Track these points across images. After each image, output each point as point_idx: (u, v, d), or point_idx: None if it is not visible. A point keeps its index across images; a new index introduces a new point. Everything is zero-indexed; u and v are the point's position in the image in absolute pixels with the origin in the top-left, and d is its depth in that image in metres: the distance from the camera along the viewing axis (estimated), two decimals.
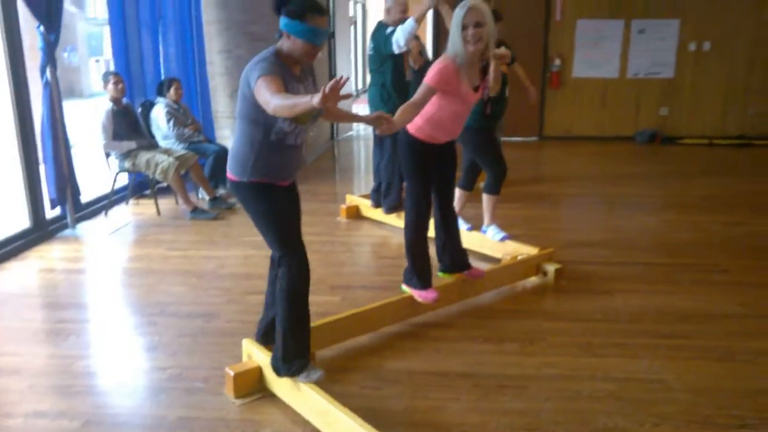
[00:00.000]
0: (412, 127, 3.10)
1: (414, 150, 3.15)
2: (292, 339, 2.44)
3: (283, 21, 2.26)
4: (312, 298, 3.45)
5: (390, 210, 4.79)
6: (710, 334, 3.11)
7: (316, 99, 1.92)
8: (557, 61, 8.64)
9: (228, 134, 7.31)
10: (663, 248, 4.38)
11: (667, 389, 2.63)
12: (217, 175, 5.73)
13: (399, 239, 4.58)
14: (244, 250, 4.37)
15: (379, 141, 4.81)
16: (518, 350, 2.97)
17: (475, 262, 3.81)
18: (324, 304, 3.44)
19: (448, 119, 3.08)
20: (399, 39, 4.22)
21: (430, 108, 3.03)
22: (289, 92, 2.22)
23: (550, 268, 3.73)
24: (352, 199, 5.25)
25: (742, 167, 7.26)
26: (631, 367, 2.81)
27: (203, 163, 5.62)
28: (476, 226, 4.30)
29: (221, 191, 5.70)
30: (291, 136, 2.38)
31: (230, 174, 2.46)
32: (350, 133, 9.52)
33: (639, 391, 2.61)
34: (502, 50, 3.13)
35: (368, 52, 4.75)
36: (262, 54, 2.30)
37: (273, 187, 2.44)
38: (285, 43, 2.29)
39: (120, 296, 3.69)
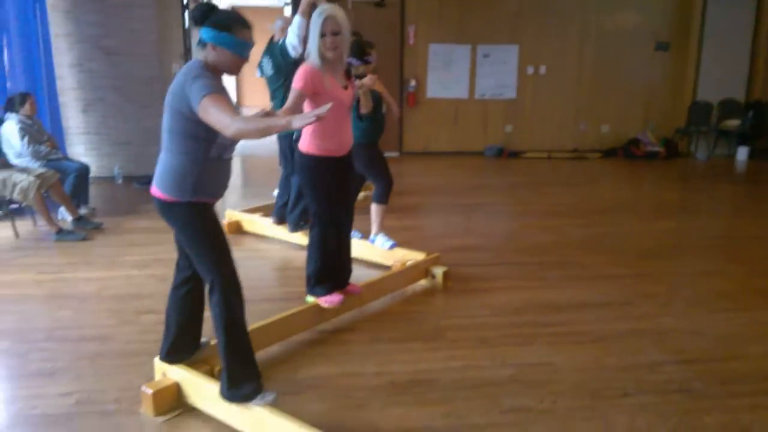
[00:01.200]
0: (304, 147, 3.12)
1: (311, 168, 3.14)
2: (239, 365, 2.38)
3: (208, 32, 2.24)
4: (208, 313, 3.44)
5: (295, 228, 4.65)
6: (583, 320, 3.53)
7: (297, 122, 1.91)
8: (413, 82, 9.14)
9: (81, 150, 6.89)
10: (529, 249, 4.84)
11: (557, 370, 2.95)
12: (78, 194, 5.39)
13: (286, 252, 4.64)
14: (124, 270, 4.17)
15: (290, 153, 4.69)
16: (423, 347, 3.16)
17: (366, 270, 3.99)
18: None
19: (331, 125, 3.05)
20: (291, 39, 4.20)
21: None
22: None
23: (438, 271, 3.98)
24: (232, 215, 5.19)
25: (578, 176, 8.15)
26: (524, 353, 3.11)
27: (63, 182, 5.26)
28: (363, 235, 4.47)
29: (83, 210, 5.36)
30: (229, 149, 2.35)
31: (162, 194, 2.33)
32: None
33: (534, 373, 2.91)
34: (366, 80, 3.34)
35: (266, 74, 4.65)
36: (192, 68, 2.24)
37: (208, 207, 2.38)
38: (210, 55, 2.26)
39: None
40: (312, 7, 3.66)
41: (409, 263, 4.00)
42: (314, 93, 2.98)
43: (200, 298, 2.64)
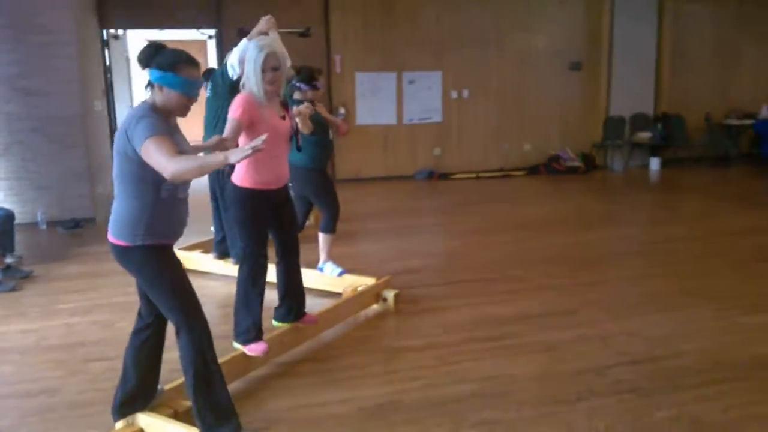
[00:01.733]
0: (238, 179, 3.05)
1: (245, 202, 3.06)
2: (211, 408, 2.35)
3: (154, 73, 2.23)
4: (166, 355, 3.35)
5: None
6: (530, 331, 3.66)
7: (234, 157, 1.91)
8: (342, 110, 9.24)
9: (2, 197, 6.56)
10: (471, 267, 4.97)
11: (515, 381, 3.06)
12: (3, 242, 5.11)
13: (230, 287, 4.54)
14: (63, 319, 3.99)
15: (218, 187, 4.62)
16: (383, 371, 3.19)
17: (317, 299, 4.00)
18: (173, 360, 3.24)
19: (267, 156, 2.94)
20: (233, 60, 4.12)
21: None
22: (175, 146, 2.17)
23: (389, 294, 4.04)
24: None
25: (506, 194, 8.42)
26: (481, 368, 3.20)
27: None
28: (311, 265, 4.47)
29: (9, 259, 5.10)
30: (181, 188, 2.33)
31: (115, 239, 2.30)
32: None
33: (494, 386, 3.01)
34: (302, 107, 3.36)
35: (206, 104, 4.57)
36: (138, 110, 2.23)
37: (167, 249, 2.34)
38: (158, 96, 2.25)
39: None
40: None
41: (360, 289, 4.03)
42: (251, 122, 2.95)
43: (159, 346, 2.59)
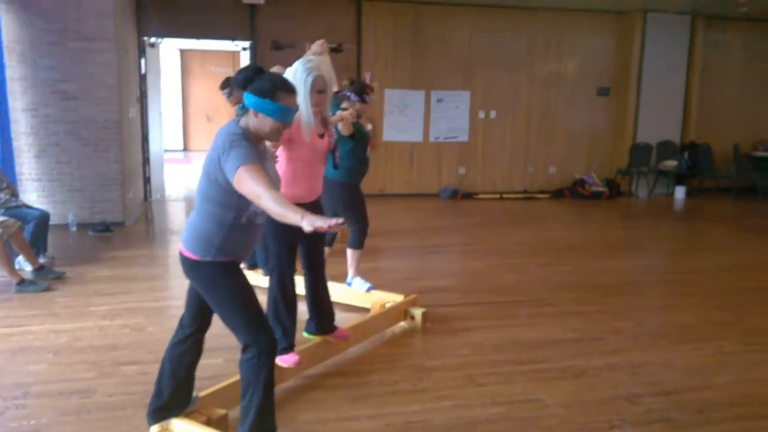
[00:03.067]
0: None
1: None
2: (265, 429, 2.37)
3: (250, 99, 2.21)
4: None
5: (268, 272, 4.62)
6: (560, 356, 3.65)
7: (307, 226, 1.91)
8: (369, 126, 9.30)
9: (34, 197, 6.69)
10: (497, 288, 4.97)
11: (545, 406, 3.05)
12: (38, 243, 5.22)
13: (261, 297, 4.60)
14: (95, 321, 4.05)
15: None
16: (412, 388, 3.20)
17: (344, 314, 4.02)
18: (208, 368, 3.32)
19: (303, 171, 3.13)
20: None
21: (282, 165, 3.10)
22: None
23: (417, 312, 4.05)
24: None
25: (530, 216, 8.42)
26: (510, 391, 3.19)
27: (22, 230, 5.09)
28: (339, 279, 4.51)
29: (42, 259, 5.20)
30: (260, 215, 2.33)
31: (188, 253, 2.31)
32: (161, 194, 9.18)
33: (524, 410, 3.00)
34: (345, 113, 3.55)
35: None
36: (229, 133, 2.20)
37: (234, 265, 2.34)
38: (252, 121, 2.23)
39: None
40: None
41: (388, 305, 4.05)
42: (290, 139, 3.04)
43: (198, 356, 2.62)
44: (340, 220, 1.94)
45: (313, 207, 3.18)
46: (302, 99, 3.01)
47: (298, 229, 3.01)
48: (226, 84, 5.55)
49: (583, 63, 9.87)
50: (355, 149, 4.19)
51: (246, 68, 2.30)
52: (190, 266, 2.33)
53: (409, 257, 6.03)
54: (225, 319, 2.35)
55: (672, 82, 9.89)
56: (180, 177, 11.05)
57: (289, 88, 2.24)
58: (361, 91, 4.15)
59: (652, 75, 9.76)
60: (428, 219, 8.14)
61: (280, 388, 3.11)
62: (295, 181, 3.12)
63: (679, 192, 9.90)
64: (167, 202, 8.88)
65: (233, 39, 8.75)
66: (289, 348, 3.15)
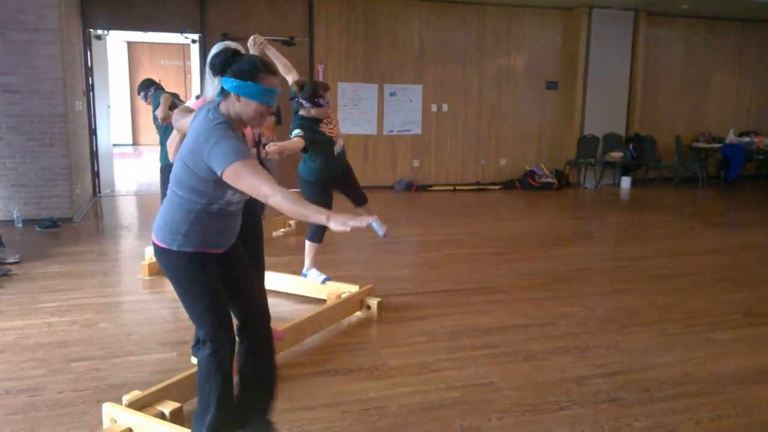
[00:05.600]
0: None
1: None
2: (230, 421, 2.31)
3: (231, 83, 2.11)
4: (146, 357, 3.42)
5: None
6: (511, 341, 3.75)
7: (335, 225, 1.89)
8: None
9: None
10: (451, 277, 5.06)
11: (497, 389, 3.13)
12: None
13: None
14: (42, 318, 3.96)
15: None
16: (368, 377, 3.24)
17: (300, 305, 4.03)
18: (161, 362, 3.35)
19: None
20: None
21: None
22: None
23: (373, 301, 4.09)
24: (152, 256, 5.04)
25: (483, 207, 8.57)
26: (464, 376, 3.27)
27: None
28: (296, 271, 4.52)
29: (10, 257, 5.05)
30: (236, 204, 2.23)
31: (157, 240, 2.25)
32: (111, 189, 8.97)
33: (477, 394, 3.08)
34: (270, 150, 3.42)
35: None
36: (212, 121, 2.11)
37: (205, 256, 2.25)
38: (233, 106, 2.13)
39: None
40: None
41: (344, 296, 4.08)
42: None
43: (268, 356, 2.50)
44: (373, 217, 1.92)
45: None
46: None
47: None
48: (144, 86, 5.37)
49: (532, 57, 10.08)
50: (321, 152, 4.13)
51: (221, 52, 2.19)
52: (159, 254, 2.28)
53: (364, 248, 6.07)
54: (188, 311, 2.31)
55: (617, 76, 10.20)
56: (130, 171, 10.81)
57: (269, 69, 2.16)
58: (312, 95, 4.01)
59: (598, 69, 10.04)
60: (383, 211, 8.16)
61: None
62: None
63: (625, 182, 10.22)
64: (117, 197, 8.68)
65: (183, 32, 8.60)
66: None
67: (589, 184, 10.27)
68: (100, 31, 8.47)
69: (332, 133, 4.25)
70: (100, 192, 8.61)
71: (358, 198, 4.58)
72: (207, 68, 2.84)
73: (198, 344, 2.92)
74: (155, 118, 5.05)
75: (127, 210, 8.02)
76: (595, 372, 3.34)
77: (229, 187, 2.09)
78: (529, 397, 3.04)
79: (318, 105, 4.01)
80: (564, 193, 9.79)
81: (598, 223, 7.90)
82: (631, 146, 10.34)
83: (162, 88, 5.34)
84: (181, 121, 2.59)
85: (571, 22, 10.03)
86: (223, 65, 2.14)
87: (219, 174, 2.03)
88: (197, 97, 3.28)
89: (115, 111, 11.76)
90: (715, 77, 10.98)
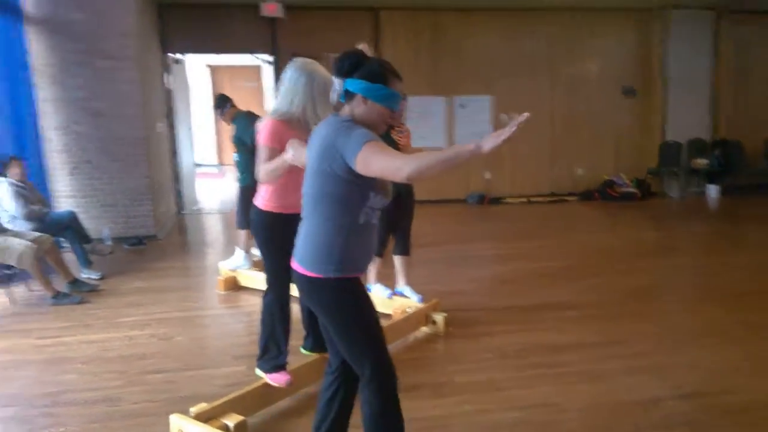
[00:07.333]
0: (261, 202, 2.96)
1: (267, 226, 2.95)
2: None
3: (359, 84, 2.05)
4: (218, 371, 3.50)
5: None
6: (581, 360, 3.62)
7: (488, 145, 1.76)
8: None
9: None
10: (521, 293, 4.94)
11: (563, 410, 3.03)
12: (79, 236, 5.49)
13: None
14: (124, 332, 4.16)
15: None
16: (432, 394, 3.21)
17: None
18: (232, 375, 3.43)
19: (293, 180, 2.79)
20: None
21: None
22: None
23: (438, 317, 4.06)
24: (227, 271, 5.22)
25: (559, 219, 8.33)
26: (530, 395, 3.18)
27: (57, 241, 5.28)
28: None
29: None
30: (376, 213, 2.13)
31: (307, 270, 2.09)
32: (194, 207, 9.37)
33: (543, 414, 2.98)
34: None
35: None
36: (338, 123, 2.05)
37: (359, 282, 2.12)
38: (358, 109, 2.07)
39: None
40: None
41: (409, 310, 4.07)
42: (281, 150, 2.77)
43: (350, 398, 2.36)
44: (525, 116, 1.77)
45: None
46: (303, 96, 2.83)
47: (287, 238, 2.58)
48: (221, 103, 5.53)
49: (605, 64, 9.76)
50: None
51: (348, 55, 2.10)
52: (311, 285, 2.09)
53: (434, 262, 6.03)
54: (344, 343, 2.12)
55: (699, 78, 9.71)
56: (214, 190, 11.25)
57: (396, 73, 2.10)
58: None
59: (678, 72, 9.60)
60: (455, 225, 8.14)
61: (299, 394, 3.16)
62: (285, 191, 2.88)
63: (712, 190, 9.69)
64: (201, 215, 9.05)
65: (253, 52, 8.90)
66: (281, 367, 3.05)
67: (674, 194, 9.80)
68: (178, 56, 8.90)
69: (401, 143, 4.16)
70: (183, 210, 9.00)
71: (402, 245, 4.43)
72: (292, 85, 2.85)
73: (276, 358, 3.01)
74: (235, 138, 5.22)
75: (210, 227, 8.35)
76: (669, 393, 3.17)
77: (370, 187, 2.02)
78: (597, 419, 2.92)
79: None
80: (647, 203, 9.38)
81: (682, 235, 7.50)
82: (717, 152, 9.80)
83: (234, 105, 5.54)
84: (301, 151, 2.51)
85: (647, 23, 9.66)
86: (352, 67, 2.06)
87: (353, 163, 1.92)
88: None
89: (200, 132, 12.30)
90: None
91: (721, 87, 9.84)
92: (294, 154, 2.59)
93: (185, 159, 9.13)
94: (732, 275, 5.38)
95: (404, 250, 4.44)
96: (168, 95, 8.63)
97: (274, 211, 2.93)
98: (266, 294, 3.07)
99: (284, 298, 3.04)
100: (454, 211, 9.00)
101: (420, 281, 5.20)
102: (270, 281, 3.05)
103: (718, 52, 9.73)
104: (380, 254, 4.41)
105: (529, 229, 7.65)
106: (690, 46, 9.58)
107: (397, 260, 4.46)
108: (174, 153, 8.77)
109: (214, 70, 15.69)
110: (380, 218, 4.24)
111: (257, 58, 9.13)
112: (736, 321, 4.20)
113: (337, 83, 2.12)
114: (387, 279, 4.56)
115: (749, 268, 5.61)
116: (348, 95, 2.09)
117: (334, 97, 2.18)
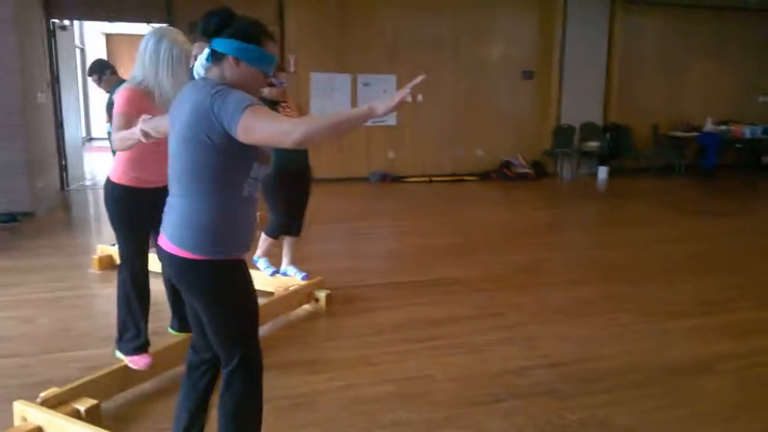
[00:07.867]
0: (114, 174, 2.82)
1: (119, 199, 2.82)
2: None
3: (230, 45, 1.85)
4: (83, 353, 3.31)
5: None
6: (457, 333, 3.68)
7: (383, 108, 1.68)
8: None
9: None
10: (411, 269, 4.98)
11: (435, 382, 3.07)
12: None
13: (160, 285, 4.48)
14: None
15: None
16: (304, 371, 3.17)
17: None
18: (94, 358, 3.25)
19: (150, 151, 2.70)
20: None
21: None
22: None
23: (321, 294, 4.02)
24: (104, 249, 4.95)
25: (458, 198, 8.49)
26: (403, 369, 3.20)
27: None
28: None
29: None
30: (257, 186, 1.96)
31: (183, 251, 1.87)
32: (81, 183, 8.85)
33: (413, 386, 3.01)
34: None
35: None
36: (210, 87, 1.82)
37: (241, 264, 1.95)
38: (229, 71, 1.87)
39: None
40: None
41: (291, 288, 4.00)
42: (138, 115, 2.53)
43: (214, 384, 2.23)
44: (420, 78, 1.72)
45: (159, 192, 2.38)
46: (164, 74, 2.71)
47: (146, 216, 2.67)
48: (98, 68, 5.19)
49: (508, 46, 9.98)
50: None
51: (215, 12, 1.90)
52: (185, 266, 1.89)
53: (329, 240, 5.98)
54: (216, 330, 1.97)
55: (593, 65, 10.12)
56: (108, 164, 10.66)
57: (271, 35, 1.92)
58: None
59: (574, 58, 9.96)
60: (356, 203, 8.12)
61: (162, 376, 3.03)
62: (140, 164, 2.77)
63: (602, 172, 10.16)
64: (89, 190, 8.56)
65: (149, 21, 8.45)
66: (141, 348, 2.91)
67: (565, 175, 10.20)
68: (66, 22, 8.32)
69: (290, 116, 4.09)
70: (68, 186, 8.49)
71: (295, 226, 4.32)
72: (144, 52, 2.76)
73: (135, 339, 2.90)
74: (109, 107, 4.92)
75: (97, 203, 7.89)
76: (538, 363, 3.27)
77: (253, 157, 1.86)
78: (465, 390, 2.97)
79: (270, 85, 3.89)
80: (540, 183, 9.72)
81: (571, 213, 7.84)
82: (608, 136, 10.28)
83: (116, 73, 5.23)
84: (162, 123, 2.27)
85: (547, 10, 9.93)
86: (221, 25, 1.87)
87: (234, 131, 1.73)
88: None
89: (95, 104, 11.60)
90: (693, 65, 10.91)
91: (613, 74, 10.29)
92: (146, 125, 2.33)
93: (72, 132, 8.58)
94: (606, 251, 5.66)
95: (296, 231, 4.33)
96: (53, 62, 8.04)
97: (128, 184, 2.79)
98: (120, 271, 2.91)
99: (140, 276, 2.89)
100: (356, 189, 8.97)
101: (312, 259, 5.15)
102: (123, 257, 2.89)
103: (611, 40, 10.16)
104: (275, 237, 4.25)
105: (427, 208, 7.74)
106: (586, 32, 9.95)
107: (287, 240, 4.36)
108: (60, 125, 8.22)
109: (110, 38, 14.85)
110: (280, 198, 4.06)
111: (152, 26, 8.65)
112: (606, 294, 4.41)
113: (197, 49, 1.95)
114: (273, 257, 4.46)
115: (624, 244, 5.91)
116: (216, 56, 1.88)
117: (195, 64, 1.98)
